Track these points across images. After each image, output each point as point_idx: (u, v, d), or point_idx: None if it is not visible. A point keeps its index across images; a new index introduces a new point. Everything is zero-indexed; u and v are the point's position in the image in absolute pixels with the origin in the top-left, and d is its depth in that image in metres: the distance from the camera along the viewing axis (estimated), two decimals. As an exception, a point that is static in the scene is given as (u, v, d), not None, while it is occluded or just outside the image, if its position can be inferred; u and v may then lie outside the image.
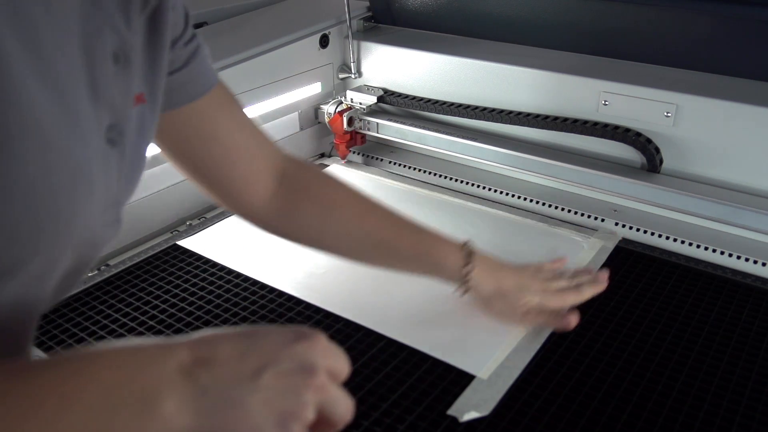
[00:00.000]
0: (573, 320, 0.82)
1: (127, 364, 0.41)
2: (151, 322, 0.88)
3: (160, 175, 1.09)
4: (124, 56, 0.52)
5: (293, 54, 1.27)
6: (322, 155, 1.40)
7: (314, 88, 1.34)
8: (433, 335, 0.84)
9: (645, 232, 1.06)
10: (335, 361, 0.45)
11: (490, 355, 0.80)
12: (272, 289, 0.94)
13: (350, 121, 1.31)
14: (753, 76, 1.07)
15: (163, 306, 0.91)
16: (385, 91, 1.32)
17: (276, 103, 1.26)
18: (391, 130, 1.29)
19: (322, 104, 1.34)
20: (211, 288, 0.94)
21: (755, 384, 0.76)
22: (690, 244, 1.03)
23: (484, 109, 1.20)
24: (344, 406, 0.45)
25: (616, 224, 1.09)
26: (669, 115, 1.05)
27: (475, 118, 1.21)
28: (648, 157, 1.07)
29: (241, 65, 1.17)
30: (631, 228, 1.07)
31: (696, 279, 0.95)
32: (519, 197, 1.17)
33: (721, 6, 1.06)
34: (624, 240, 1.05)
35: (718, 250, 1.01)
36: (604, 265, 0.98)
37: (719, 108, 1.01)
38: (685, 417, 0.71)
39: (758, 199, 1.01)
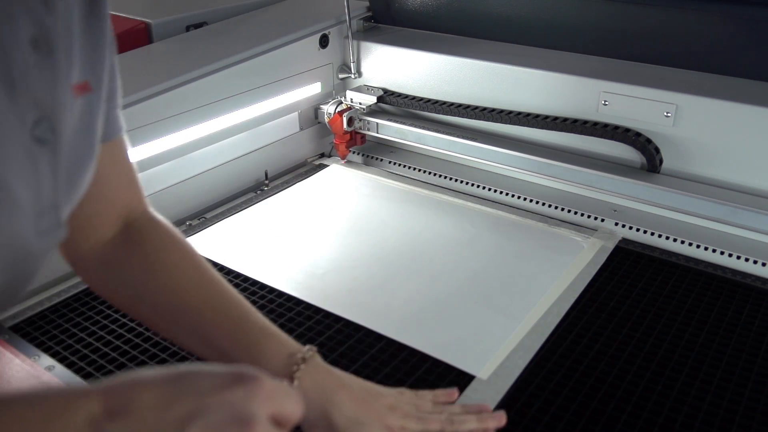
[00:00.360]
0: None
1: (34, 417, 0.36)
2: (151, 322, 0.88)
3: (160, 175, 1.09)
4: (45, 42, 0.45)
5: (293, 54, 1.27)
6: (322, 155, 1.40)
7: (314, 88, 1.34)
8: (433, 335, 0.84)
9: (645, 232, 1.06)
10: (283, 405, 0.39)
11: (490, 355, 0.80)
12: (272, 289, 0.94)
13: (350, 121, 1.31)
14: (753, 76, 1.07)
15: (163, 306, 0.91)
16: (385, 91, 1.32)
17: (276, 103, 1.26)
18: (390, 130, 1.29)
19: (322, 104, 1.34)
20: (211, 288, 0.94)
21: (755, 384, 0.76)
22: (690, 244, 1.03)
23: (484, 109, 1.20)
24: None
25: (616, 224, 1.09)
26: (669, 115, 1.05)
27: (475, 118, 1.21)
28: (648, 157, 1.07)
29: (241, 65, 1.17)
30: (631, 228, 1.07)
31: (696, 279, 0.95)
32: (519, 197, 1.17)
33: (721, 6, 1.06)
34: (624, 240, 1.05)
35: (718, 250, 1.00)
36: (604, 265, 0.98)
37: (719, 108, 1.01)
38: (685, 417, 0.71)
39: (758, 199, 1.01)
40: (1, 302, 0.50)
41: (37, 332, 0.86)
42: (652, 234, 1.05)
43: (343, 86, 1.38)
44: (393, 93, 1.31)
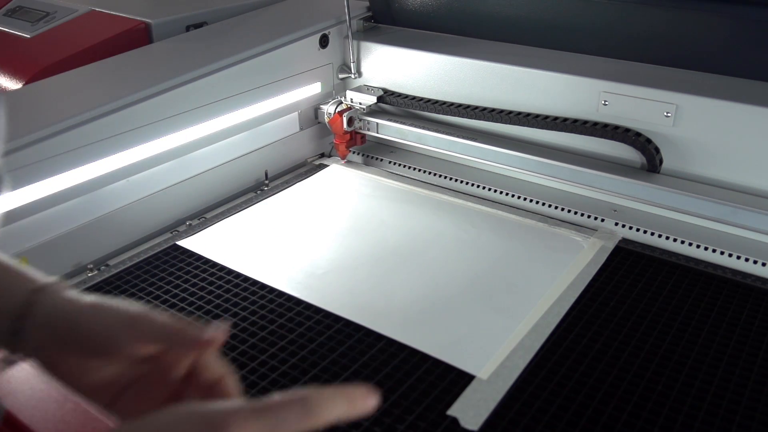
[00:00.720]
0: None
1: None
2: (151, 322, 0.88)
3: (160, 176, 1.09)
4: None
5: (293, 54, 1.27)
6: (322, 155, 1.40)
7: (314, 88, 1.34)
8: (433, 335, 0.84)
9: (645, 232, 1.06)
10: None
11: (490, 355, 0.80)
12: (272, 289, 0.94)
13: (350, 121, 1.31)
14: (753, 76, 1.07)
15: (163, 306, 0.91)
16: (385, 91, 1.32)
17: (276, 103, 1.26)
18: (390, 130, 1.29)
19: (322, 104, 1.34)
20: (211, 288, 0.94)
21: (755, 384, 0.76)
22: (690, 244, 1.03)
23: (484, 109, 1.20)
24: None
25: (616, 224, 1.09)
26: (669, 115, 1.05)
27: (475, 118, 1.21)
28: (648, 157, 1.07)
29: (241, 65, 1.17)
30: (631, 228, 1.07)
31: (696, 279, 0.95)
32: (519, 197, 1.17)
33: (721, 6, 1.06)
34: (624, 240, 1.05)
35: (718, 250, 1.00)
36: (604, 265, 0.98)
37: (719, 108, 1.01)
38: (685, 417, 0.71)
39: (758, 199, 1.01)
40: None
41: (37, 332, 0.86)
42: (652, 234, 1.05)
43: (343, 86, 1.38)
44: (393, 93, 1.31)
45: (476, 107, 1.21)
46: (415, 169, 1.29)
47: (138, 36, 1.41)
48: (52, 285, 0.50)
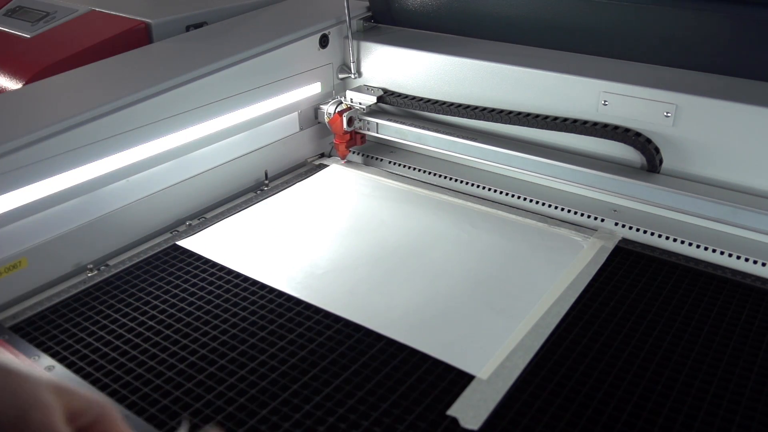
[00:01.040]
0: None
1: None
2: (150, 322, 0.88)
3: (160, 176, 1.09)
4: None
5: (293, 54, 1.27)
6: (322, 155, 1.40)
7: (314, 88, 1.34)
8: (433, 335, 0.84)
9: (645, 232, 1.06)
10: None
11: (490, 355, 0.80)
12: (272, 289, 0.94)
13: (350, 121, 1.31)
14: (753, 76, 1.07)
15: (163, 306, 0.91)
16: (385, 91, 1.32)
17: (276, 103, 1.26)
18: (390, 130, 1.29)
19: (322, 104, 1.34)
20: (210, 288, 0.94)
21: (755, 384, 0.76)
22: (690, 244, 1.03)
23: (484, 109, 1.20)
24: None
25: (616, 224, 1.09)
26: (669, 115, 1.05)
27: (475, 118, 1.21)
28: (648, 157, 1.07)
29: (241, 65, 1.17)
30: (631, 228, 1.07)
31: (696, 279, 0.95)
32: (519, 197, 1.17)
33: (721, 6, 1.06)
34: (624, 240, 1.05)
35: (718, 250, 1.00)
36: (604, 265, 0.98)
37: (719, 108, 1.01)
38: (685, 417, 0.71)
39: (758, 199, 1.01)
40: None
41: (37, 332, 0.86)
42: (652, 234, 1.05)
43: (343, 86, 1.38)
44: (393, 93, 1.31)
45: (476, 107, 1.21)
46: (415, 169, 1.29)
47: (138, 36, 1.41)
48: None
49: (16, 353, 0.81)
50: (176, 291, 0.94)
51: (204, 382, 0.77)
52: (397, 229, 1.09)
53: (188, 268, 0.99)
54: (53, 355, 0.82)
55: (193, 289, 0.94)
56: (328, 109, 1.31)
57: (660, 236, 1.05)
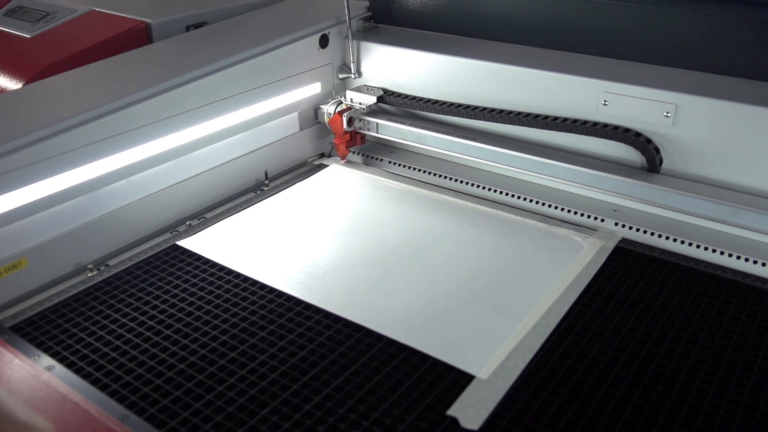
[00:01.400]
0: None
1: None
2: (150, 322, 0.88)
3: (160, 176, 1.09)
4: None
5: (293, 54, 1.27)
6: (322, 155, 1.40)
7: (314, 88, 1.34)
8: (433, 335, 0.84)
9: (645, 232, 1.06)
10: None
11: (490, 355, 0.80)
12: (272, 289, 0.94)
13: (350, 121, 1.31)
14: (753, 76, 1.07)
15: (163, 306, 0.91)
16: (385, 91, 1.32)
17: (276, 103, 1.26)
18: (390, 130, 1.29)
19: (322, 104, 1.34)
20: (210, 288, 0.94)
21: (755, 384, 0.76)
22: (690, 244, 1.03)
23: (484, 109, 1.20)
24: None
25: (616, 224, 1.09)
26: (669, 115, 1.05)
27: (475, 118, 1.21)
28: (648, 157, 1.07)
29: (241, 65, 1.17)
30: (631, 228, 1.07)
31: (696, 279, 0.95)
32: (519, 197, 1.17)
33: (721, 6, 1.06)
34: (624, 240, 1.05)
35: (718, 250, 1.00)
36: (604, 265, 0.98)
37: (719, 108, 1.01)
38: (684, 417, 0.71)
39: (758, 199, 1.01)
40: None
41: (37, 332, 0.86)
42: (652, 234, 1.05)
43: (343, 86, 1.38)
44: (393, 93, 1.31)
45: (476, 107, 1.21)
46: (415, 169, 1.29)
47: (138, 36, 1.41)
48: None
49: (16, 353, 0.81)
50: (176, 291, 0.94)
51: (204, 382, 0.77)
52: (397, 229, 1.09)
53: (188, 268, 0.99)
54: (53, 355, 0.82)
55: (193, 289, 0.94)
56: (328, 109, 1.31)
57: (660, 236, 1.05)
